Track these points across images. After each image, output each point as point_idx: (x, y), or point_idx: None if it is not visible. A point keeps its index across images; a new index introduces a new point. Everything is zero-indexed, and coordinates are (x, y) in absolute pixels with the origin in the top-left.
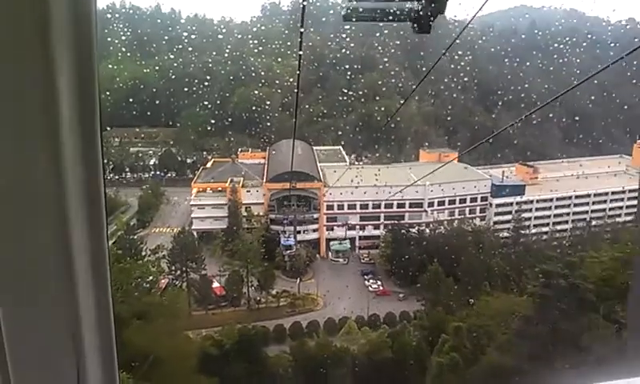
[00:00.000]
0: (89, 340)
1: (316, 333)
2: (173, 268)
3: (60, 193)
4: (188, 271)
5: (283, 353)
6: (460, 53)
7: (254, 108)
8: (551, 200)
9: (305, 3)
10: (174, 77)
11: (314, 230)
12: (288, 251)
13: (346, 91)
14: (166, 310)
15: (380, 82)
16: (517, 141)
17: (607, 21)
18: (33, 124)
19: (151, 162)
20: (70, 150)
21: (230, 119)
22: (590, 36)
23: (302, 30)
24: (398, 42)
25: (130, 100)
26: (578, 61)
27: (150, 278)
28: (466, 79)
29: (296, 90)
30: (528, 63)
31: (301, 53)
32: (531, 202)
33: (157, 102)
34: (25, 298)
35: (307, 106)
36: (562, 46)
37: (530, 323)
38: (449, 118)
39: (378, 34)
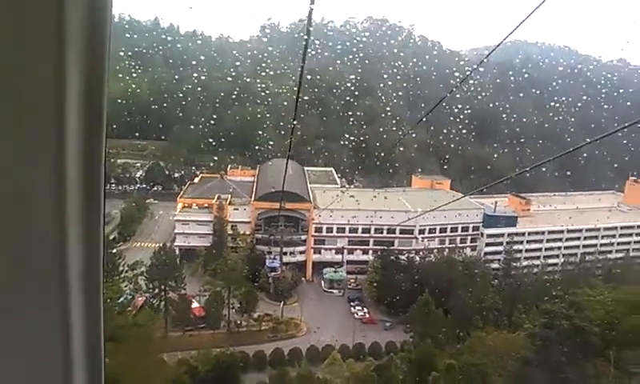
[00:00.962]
0: (77, 345)
1: (298, 362)
2: (151, 286)
3: (60, 196)
4: (167, 290)
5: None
6: (456, 84)
7: (246, 126)
8: (543, 233)
9: (312, 6)
10: (168, 91)
11: (301, 252)
12: (273, 273)
13: (340, 115)
14: (137, 333)
15: (375, 108)
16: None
17: (599, 60)
18: (39, 125)
19: (138, 175)
20: (74, 154)
21: (222, 136)
22: (580, 72)
23: (307, 37)
24: (395, 70)
25: (122, 111)
26: (570, 98)
27: (121, 299)
28: (460, 110)
29: (295, 107)
30: (522, 97)
31: (303, 65)
32: (523, 234)
33: (149, 114)
34: (16, 299)
35: (301, 128)
36: (555, 83)
37: (528, 365)
38: (442, 147)
39: (375, 62)
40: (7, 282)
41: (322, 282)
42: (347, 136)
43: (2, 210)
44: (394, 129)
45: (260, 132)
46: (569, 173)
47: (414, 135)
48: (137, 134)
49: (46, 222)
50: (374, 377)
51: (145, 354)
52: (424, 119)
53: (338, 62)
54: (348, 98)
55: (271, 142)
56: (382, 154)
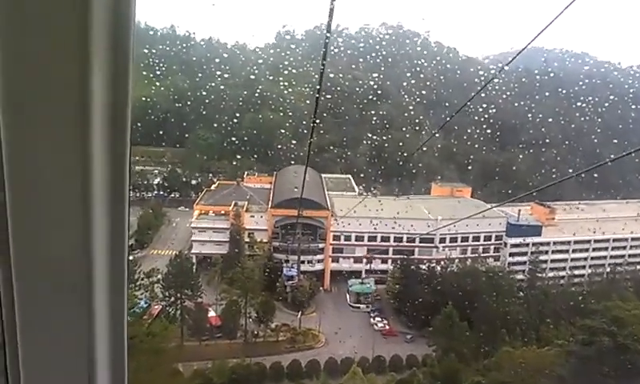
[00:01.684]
0: (101, 346)
1: (316, 375)
2: (167, 294)
3: (86, 195)
4: (183, 298)
5: None
6: (476, 89)
7: (263, 133)
8: (569, 243)
9: (333, 4)
10: (184, 98)
11: (319, 261)
12: (290, 282)
13: (357, 122)
14: (150, 343)
15: (392, 115)
16: (529, 181)
17: (618, 66)
18: (64, 124)
19: (155, 182)
20: (99, 158)
21: (238, 143)
22: (600, 80)
23: (328, 32)
24: (410, 74)
25: (139, 118)
26: (591, 105)
27: (134, 308)
28: (479, 116)
29: (314, 112)
30: (544, 101)
31: (323, 67)
32: (548, 243)
33: (166, 122)
34: (43, 300)
35: (316, 136)
36: (575, 88)
37: None
38: (462, 155)
39: (392, 67)
40: (34, 283)
41: (348, 296)
42: (364, 142)
43: (29, 212)
44: (408, 136)
45: (277, 139)
46: (595, 175)
47: (436, 142)
48: (154, 142)
49: (72, 224)
50: None
51: (157, 365)
52: (445, 125)
53: (354, 66)
54: (365, 104)
55: (289, 148)
56: (400, 161)
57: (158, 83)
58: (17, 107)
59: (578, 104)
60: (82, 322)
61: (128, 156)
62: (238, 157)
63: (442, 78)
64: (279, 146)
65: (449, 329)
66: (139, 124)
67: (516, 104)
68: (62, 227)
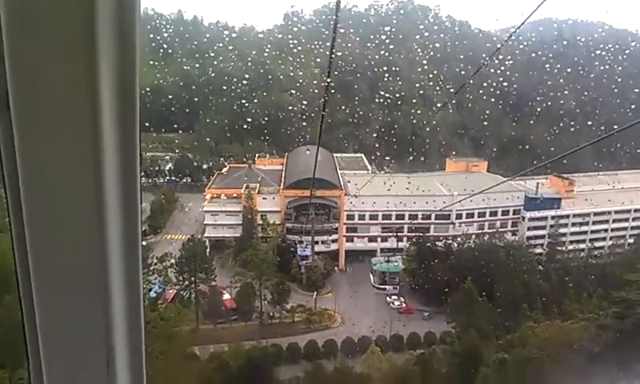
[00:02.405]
0: (119, 332)
1: (334, 356)
2: (181, 278)
3: (98, 184)
4: (197, 282)
5: (296, 376)
6: (488, 63)
7: (273, 115)
8: (588, 215)
9: None
10: (193, 82)
11: (333, 241)
12: (304, 262)
13: (368, 98)
14: (162, 330)
15: (403, 90)
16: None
17: (635, 34)
18: (74, 116)
19: (167, 168)
20: (110, 143)
21: (248, 125)
22: (617, 48)
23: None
24: (423, 51)
25: (148, 105)
26: (606, 75)
27: (146, 294)
28: (493, 89)
29: (325, 91)
30: (556, 74)
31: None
32: (567, 216)
33: (175, 107)
34: (60, 287)
35: (328, 114)
36: (591, 57)
37: (596, 360)
38: (475, 128)
39: (402, 43)
40: (51, 272)
41: (371, 277)
42: (375, 120)
43: (43, 199)
44: (420, 112)
45: (287, 120)
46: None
47: (449, 117)
48: (164, 128)
49: (85, 214)
50: (416, 371)
51: (171, 350)
52: (456, 93)
53: (365, 45)
54: (375, 82)
55: (299, 128)
56: (413, 138)
57: (166, 69)
58: (28, 103)
59: (593, 75)
60: (98, 308)
61: (138, 143)
62: (249, 139)
63: (454, 52)
64: (290, 128)
65: (468, 305)
66: (148, 111)
67: (530, 75)
68: (75, 218)
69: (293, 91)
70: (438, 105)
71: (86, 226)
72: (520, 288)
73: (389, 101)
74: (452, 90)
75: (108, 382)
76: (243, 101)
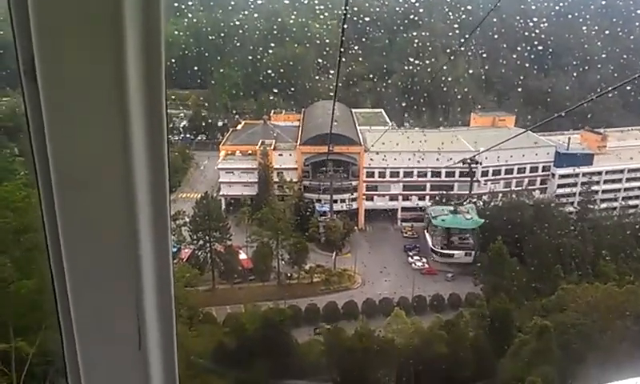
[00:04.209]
0: (150, 308)
1: (354, 317)
2: (195, 237)
3: (126, 158)
4: (212, 241)
5: (315, 339)
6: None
7: (288, 68)
8: (622, 171)
9: None
10: (205, 38)
11: (353, 200)
12: (323, 218)
13: (387, 51)
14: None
15: (424, 42)
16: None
17: None
18: (100, 80)
19: (181, 125)
20: (136, 105)
21: (263, 80)
22: None
23: None
24: None
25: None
26: (637, 23)
27: None
28: (517, 40)
29: (341, 43)
30: (593, 37)
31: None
32: (600, 173)
33: (187, 62)
34: (90, 258)
35: (345, 69)
36: (631, 18)
37: None
38: (505, 83)
39: None
40: (80, 243)
41: (428, 238)
42: (394, 73)
43: (70, 163)
44: (442, 65)
45: (303, 73)
46: None
47: (473, 69)
48: (177, 84)
49: (114, 173)
50: (442, 336)
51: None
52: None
53: None
54: (395, 32)
55: (315, 82)
56: (433, 91)
57: (180, 24)
58: (54, 71)
59: (622, 22)
60: (129, 280)
61: (165, 102)
62: (264, 95)
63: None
64: (306, 82)
65: (498, 265)
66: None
67: (557, 25)
68: (104, 182)
69: (309, 42)
70: (463, 57)
71: (116, 188)
72: (551, 248)
73: (409, 52)
74: (478, 40)
75: (141, 356)
76: (257, 54)
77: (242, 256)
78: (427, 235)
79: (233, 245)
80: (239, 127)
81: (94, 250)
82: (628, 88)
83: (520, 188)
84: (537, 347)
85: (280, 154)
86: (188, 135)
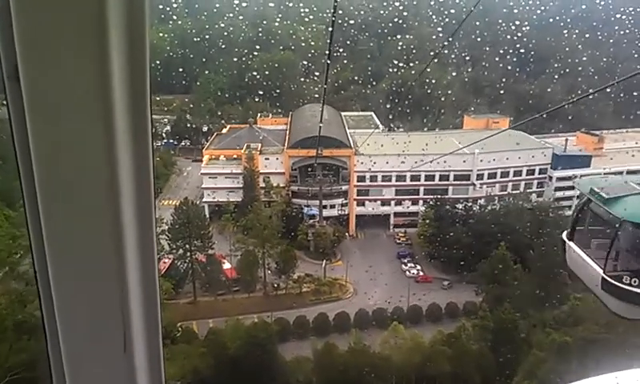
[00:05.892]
0: (135, 312)
1: (347, 331)
2: (174, 246)
3: (111, 163)
4: (192, 250)
5: (306, 359)
6: (500, 18)
7: (274, 72)
8: (621, 173)
9: None
10: (190, 42)
11: (343, 205)
12: (312, 221)
13: (375, 56)
14: None
15: (412, 46)
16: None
17: None
18: (85, 101)
19: (164, 130)
20: (120, 107)
21: (249, 82)
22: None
23: None
24: (432, 3)
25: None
26: (625, 40)
27: None
28: (510, 56)
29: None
30: (574, 40)
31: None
32: (598, 175)
33: (172, 68)
34: (75, 262)
35: (333, 72)
36: (610, 22)
37: None
38: (491, 86)
39: None
40: (65, 248)
41: (589, 260)
42: (384, 77)
43: (54, 164)
44: (429, 70)
45: (290, 78)
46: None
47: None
48: (162, 90)
49: (96, 177)
50: (444, 352)
51: None
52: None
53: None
54: (383, 37)
55: (303, 87)
56: (424, 94)
57: (164, 27)
58: (37, 73)
59: (602, 26)
60: (114, 284)
61: (149, 106)
62: (250, 99)
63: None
64: (292, 85)
65: (501, 273)
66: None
67: (546, 31)
68: (88, 184)
69: (295, 47)
70: (449, 61)
71: (100, 194)
72: (553, 254)
73: (398, 57)
74: (464, 44)
75: (126, 360)
76: (243, 59)
77: (226, 265)
78: (584, 254)
79: (216, 253)
80: (224, 131)
81: (78, 254)
82: (620, 93)
83: (517, 191)
84: (554, 363)
85: (267, 158)
86: (171, 140)
